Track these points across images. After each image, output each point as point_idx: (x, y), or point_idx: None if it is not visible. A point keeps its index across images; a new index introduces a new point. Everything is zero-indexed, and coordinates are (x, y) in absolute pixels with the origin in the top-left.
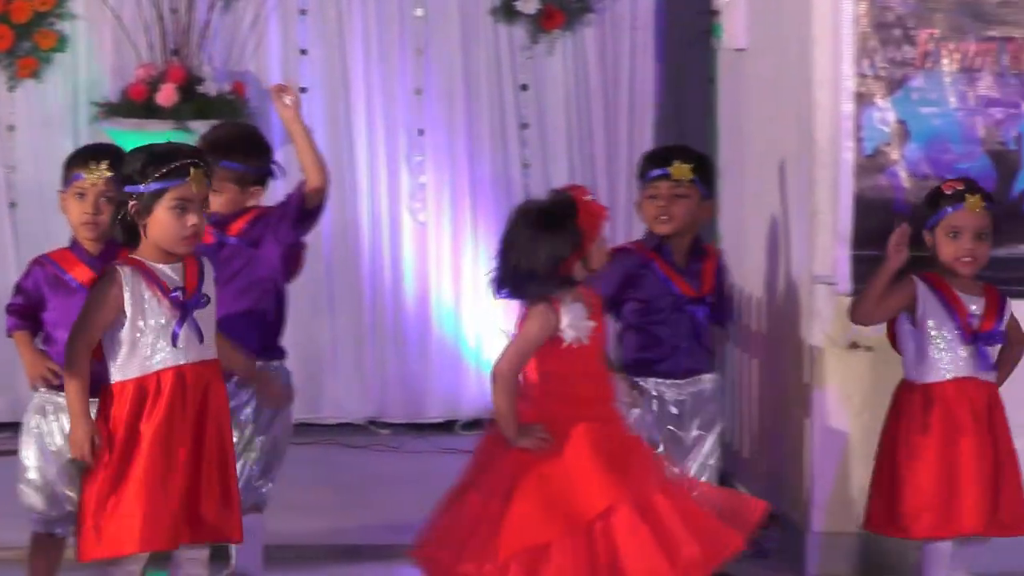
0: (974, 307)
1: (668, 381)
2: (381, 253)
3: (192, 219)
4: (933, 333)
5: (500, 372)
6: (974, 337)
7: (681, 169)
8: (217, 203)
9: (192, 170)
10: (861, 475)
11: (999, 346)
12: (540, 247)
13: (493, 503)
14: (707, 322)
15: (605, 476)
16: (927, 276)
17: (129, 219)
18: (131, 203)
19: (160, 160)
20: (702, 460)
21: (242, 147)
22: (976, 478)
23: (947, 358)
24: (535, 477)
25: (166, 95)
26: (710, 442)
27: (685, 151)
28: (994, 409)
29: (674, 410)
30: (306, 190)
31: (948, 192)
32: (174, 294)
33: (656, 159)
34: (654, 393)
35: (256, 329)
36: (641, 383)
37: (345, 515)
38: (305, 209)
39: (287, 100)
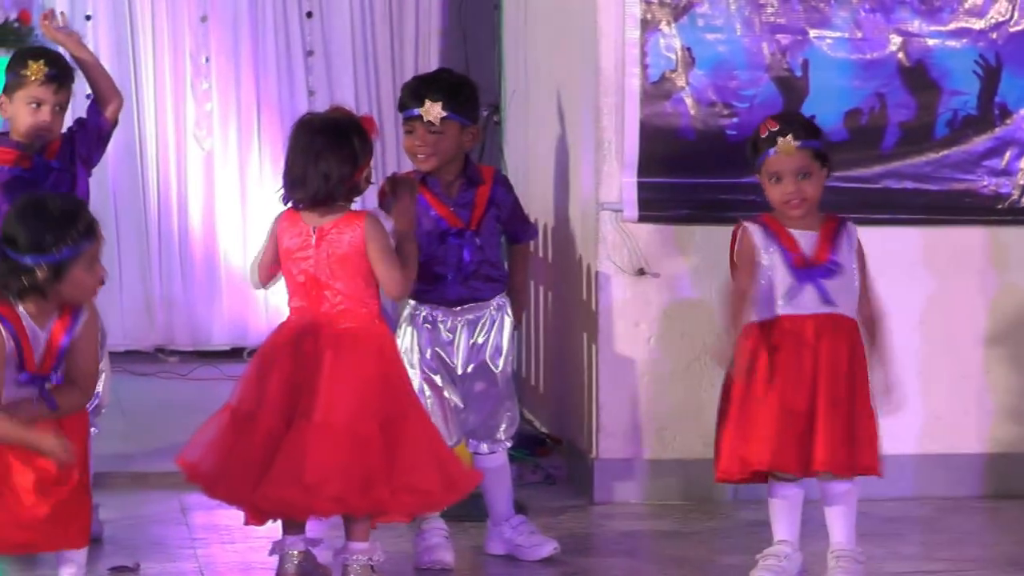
0: (805, 241)
1: (442, 308)
2: (167, 181)
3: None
4: (769, 272)
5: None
6: (808, 272)
7: (431, 110)
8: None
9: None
10: (647, 401)
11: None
12: (335, 155)
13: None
14: (473, 254)
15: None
16: (760, 218)
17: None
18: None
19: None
20: (486, 387)
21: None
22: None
23: (782, 294)
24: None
25: None
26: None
27: (438, 84)
28: (838, 342)
29: (448, 336)
30: (106, 113)
31: (764, 135)
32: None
33: (409, 96)
34: (429, 317)
35: None
36: (417, 307)
37: (133, 442)
38: (104, 132)
39: (56, 26)
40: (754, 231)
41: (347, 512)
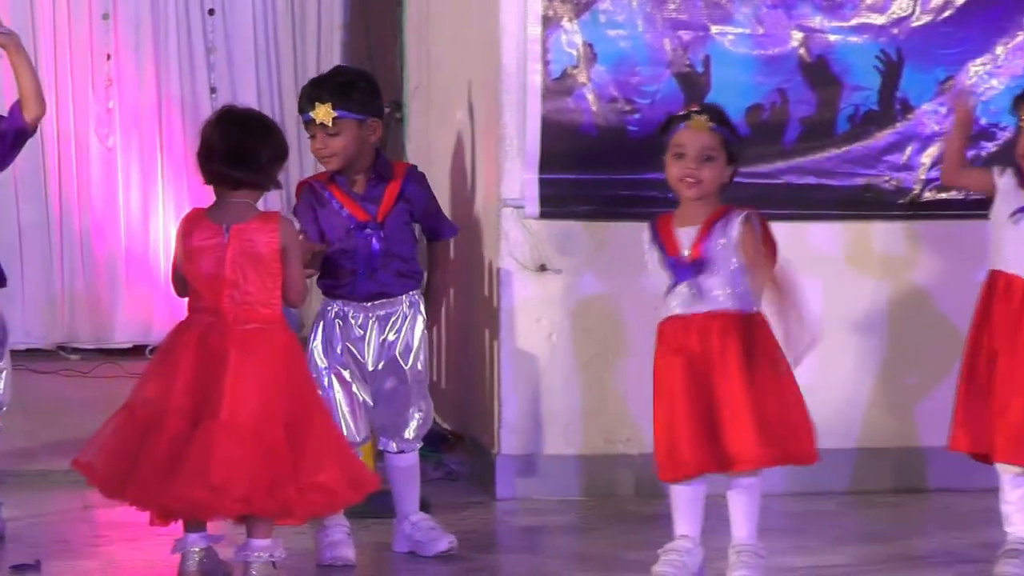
0: (686, 239)
1: (353, 303)
2: (70, 178)
3: None
4: (660, 272)
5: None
6: (688, 270)
7: (321, 112)
8: None
9: None
10: (549, 398)
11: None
12: (272, 142)
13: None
14: (381, 247)
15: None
16: (657, 218)
17: None
18: None
19: None
20: (395, 385)
21: None
22: (689, 418)
23: (670, 296)
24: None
25: None
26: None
27: (325, 85)
28: (727, 341)
29: (359, 332)
30: (28, 117)
31: (680, 113)
32: None
33: (304, 101)
34: (340, 313)
35: None
36: (329, 303)
37: (36, 440)
38: (22, 136)
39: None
40: (646, 230)
41: (254, 513)
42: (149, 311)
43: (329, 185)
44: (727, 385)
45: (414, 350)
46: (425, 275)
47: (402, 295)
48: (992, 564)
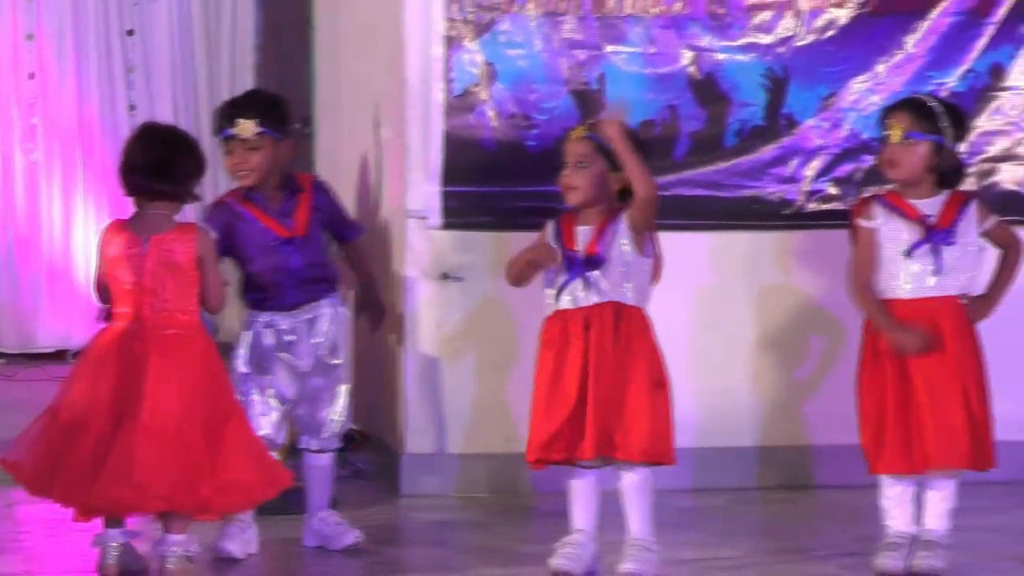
0: (583, 237)
1: (280, 313)
2: None
3: None
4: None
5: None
6: (580, 266)
7: (245, 127)
8: None
9: None
10: (452, 399)
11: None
12: (192, 156)
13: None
14: (304, 259)
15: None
16: (562, 215)
17: None
18: None
19: None
20: (322, 384)
21: None
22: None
23: (561, 291)
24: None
25: None
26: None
27: (248, 104)
28: (603, 331)
29: (290, 337)
30: None
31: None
32: None
33: (223, 118)
34: (270, 322)
35: None
36: (256, 314)
37: None
38: None
39: None
40: (550, 224)
41: (174, 510)
42: (70, 316)
43: (244, 203)
44: (601, 378)
45: (337, 349)
46: (353, 275)
47: (324, 298)
48: (873, 556)
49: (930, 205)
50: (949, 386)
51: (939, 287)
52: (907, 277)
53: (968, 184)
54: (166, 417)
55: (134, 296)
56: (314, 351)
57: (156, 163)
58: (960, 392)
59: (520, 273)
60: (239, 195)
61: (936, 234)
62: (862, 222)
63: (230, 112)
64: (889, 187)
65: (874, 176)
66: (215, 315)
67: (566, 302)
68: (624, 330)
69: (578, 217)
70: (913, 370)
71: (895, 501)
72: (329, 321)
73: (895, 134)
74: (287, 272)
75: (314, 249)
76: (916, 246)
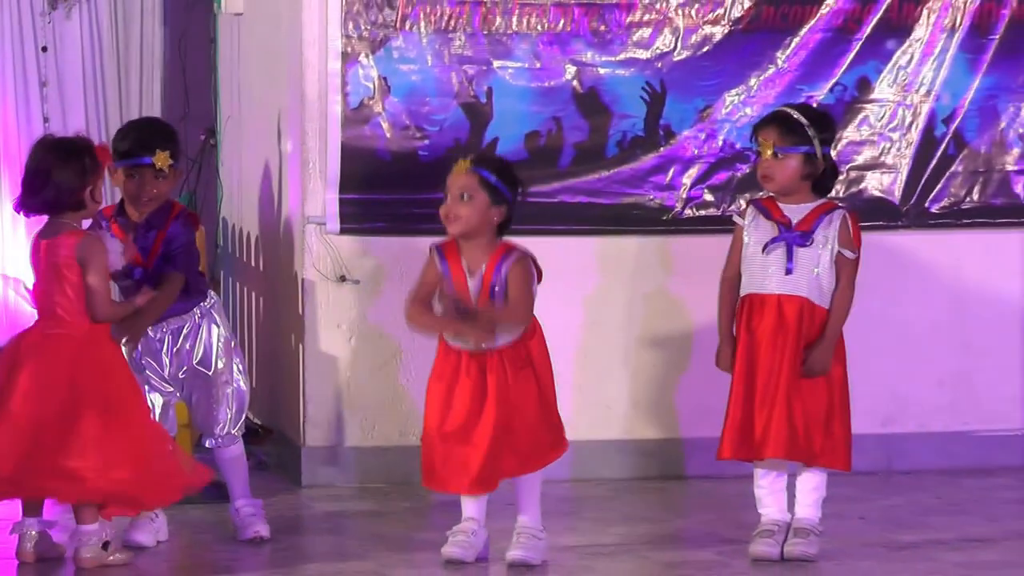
0: (473, 285)
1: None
2: None
3: None
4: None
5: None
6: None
7: (163, 158)
8: None
9: None
10: (350, 395)
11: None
12: (67, 169)
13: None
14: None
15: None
16: (443, 245)
17: None
18: None
19: None
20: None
21: None
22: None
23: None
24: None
25: None
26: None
27: (164, 135)
28: (492, 375)
29: (156, 345)
30: None
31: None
32: None
33: (137, 145)
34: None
35: None
36: None
37: None
38: None
39: None
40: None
41: (22, 495)
42: None
43: (112, 223)
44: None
45: (213, 354)
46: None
47: (191, 310)
48: (748, 543)
49: (799, 210)
50: (783, 381)
51: (791, 285)
52: (764, 273)
53: (836, 191)
54: (21, 410)
55: (35, 297)
56: (184, 359)
57: (34, 185)
58: (786, 388)
59: (426, 330)
60: (110, 213)
61: (790, 234)
62: (736, 219)
63: (144, 140)
64: (769, 193)
65: (747, 183)
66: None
67: (452, 340)
68: (510, 363)
69: (460, 246)
70: (759, 362)
71: (768, 490)
72: (199, 330)
73: (766, 151)
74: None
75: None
76: (771, 242)
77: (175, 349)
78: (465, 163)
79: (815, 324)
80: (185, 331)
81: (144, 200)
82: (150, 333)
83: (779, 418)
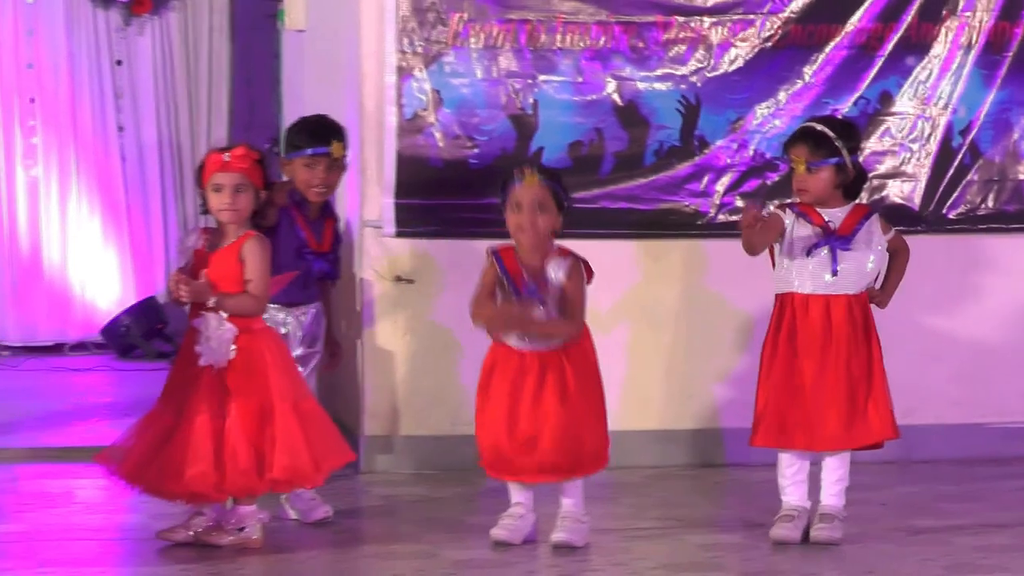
0: (526, 276)
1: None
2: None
3: None
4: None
5: None
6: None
7: (339, 148)
8: None
9: None
10: (405, 388)
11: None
12: None
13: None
14: (320, 270)
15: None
16: (500, 249)
17: None
18: None
19: None
20: (309, 371)
21: None
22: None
23: None
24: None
25: None
26: (316, 358)
27: (336, 128)
28: (547, 375)
29: (283, 330)
30: None
31: (515, 172)
32: None
33: (312, 137)
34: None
35: None
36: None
37: None
38: None
39: None
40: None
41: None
42: (67, 315)
43: (292, 208)
44: (544, 407)
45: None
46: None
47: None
48: (770, 527)
49: (836, 214)
50: (832, 375)
51: (836, 286)
52: (806, 274)
53: (860, 198)
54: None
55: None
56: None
57: None
58: (844, 381)
59: (492, 323)
60: (291, 199)
61: (835, 239)
62: (774, 210)
63: (324, 133)
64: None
65: (777, 190)
66: None
67: (512, 341)
68: (561, 364)
69: (517, 250)
70: (808, 361)
71: (790, 480)
72: (314, 318)
73: (799, 166)
74: (303, 274)
75: (329, 272)
76: (816, 246)
77: (299, 335)
78: (533, 177)
79: (860, 305)
80: (310, 319)
81: (320, 188)
82: (278, 319)
83: (837, 415)
